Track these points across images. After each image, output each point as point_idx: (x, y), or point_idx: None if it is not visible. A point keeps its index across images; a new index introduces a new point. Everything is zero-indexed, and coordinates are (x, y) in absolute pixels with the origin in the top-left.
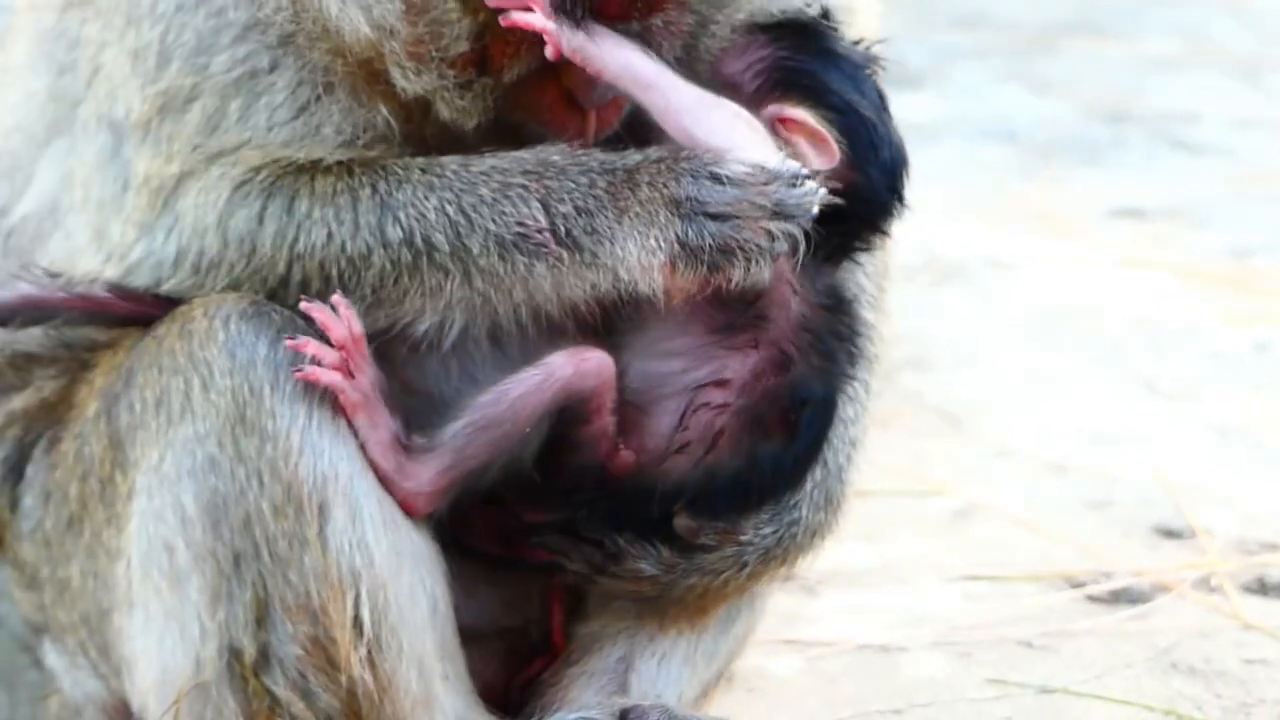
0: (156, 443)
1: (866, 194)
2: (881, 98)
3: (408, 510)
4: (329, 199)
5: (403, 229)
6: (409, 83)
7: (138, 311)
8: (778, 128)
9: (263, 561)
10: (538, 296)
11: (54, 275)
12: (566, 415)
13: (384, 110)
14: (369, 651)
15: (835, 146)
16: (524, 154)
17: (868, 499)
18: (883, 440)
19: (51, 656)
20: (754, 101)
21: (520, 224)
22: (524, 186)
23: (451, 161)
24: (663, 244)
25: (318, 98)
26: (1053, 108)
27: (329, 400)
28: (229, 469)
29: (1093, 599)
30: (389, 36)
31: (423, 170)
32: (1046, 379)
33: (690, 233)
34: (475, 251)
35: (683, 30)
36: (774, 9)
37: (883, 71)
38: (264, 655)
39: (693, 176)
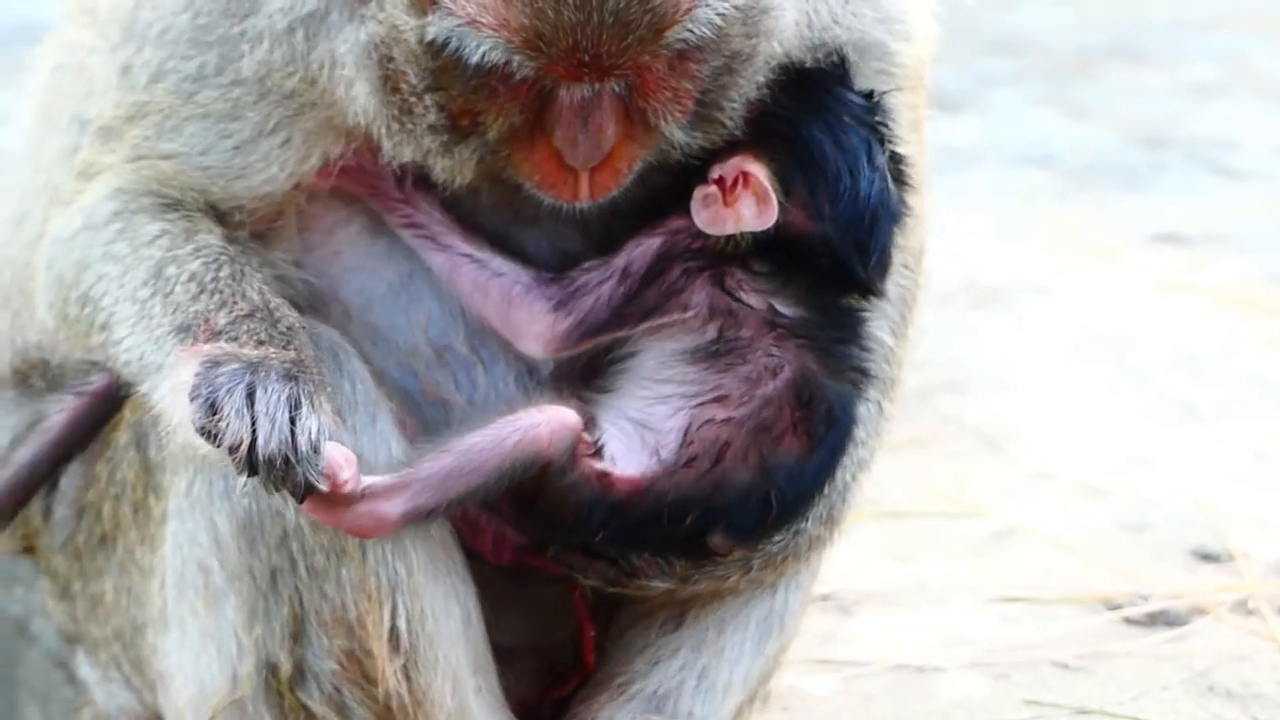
0: (185, 469)
1: (826, 247)
2: (869, 153)
3: (357, 531)
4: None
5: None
6: (397, 152)
7: None
8: (738, 179)
9: (299, 576)
10: None
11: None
12: (545, 469)
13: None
14: (405, 664)
15: (774, 210)
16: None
17: (905, 520)
18: (920, 462)
19: (84, 668)
20: (731, 146)
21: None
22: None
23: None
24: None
25: (281, 143)
26: (1091, 133)
27: (364, 400)
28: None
29: (1130, 621)
30: (373, 117)
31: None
32: (1084, 402)
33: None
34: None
35: (686, 97)
36: (805, 40)
37: (891, 124)
38: (300, 670)
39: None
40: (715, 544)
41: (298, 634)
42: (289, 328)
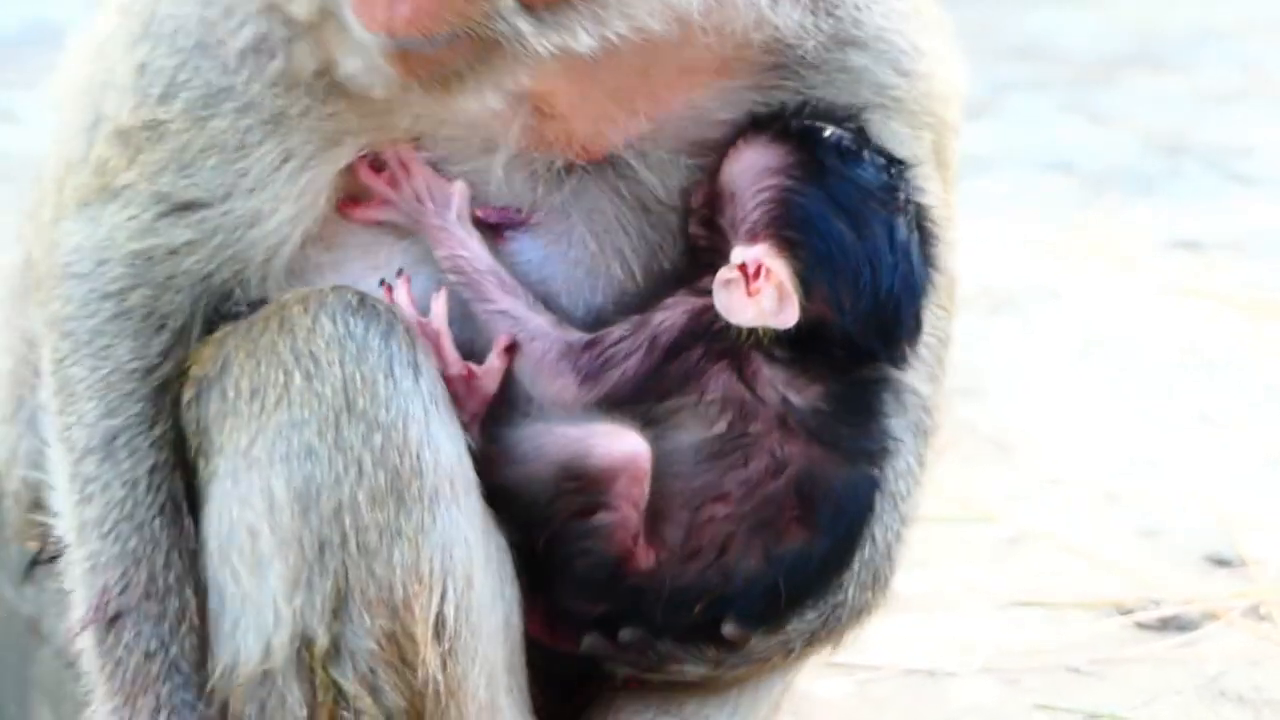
0: (247, 428)
1: (847, 339)
2: (891, 236)
3: None
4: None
5: None
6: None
7: None
8: (760, 271)
9: (349, 551)
10: None
11: None
12: (586, 491)
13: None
14: (446, 651)
15: (796, 310)
16: None
17: (917, 525)
18: (933, 467)
19: None
20: (751, 233)
21: None
22: None
23: None
24: None
25: (288, 177)
26: (1110, 139)
27: (442, 395)
28: (326, 456)
29: (1141, 626)
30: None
31: None
32: (1099, 408)
33: None
34: None
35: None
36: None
37: (910, 180)
38: (336, 646)
39: None
40: (729, 633)
41: (339, 610)
42: (169, 583)
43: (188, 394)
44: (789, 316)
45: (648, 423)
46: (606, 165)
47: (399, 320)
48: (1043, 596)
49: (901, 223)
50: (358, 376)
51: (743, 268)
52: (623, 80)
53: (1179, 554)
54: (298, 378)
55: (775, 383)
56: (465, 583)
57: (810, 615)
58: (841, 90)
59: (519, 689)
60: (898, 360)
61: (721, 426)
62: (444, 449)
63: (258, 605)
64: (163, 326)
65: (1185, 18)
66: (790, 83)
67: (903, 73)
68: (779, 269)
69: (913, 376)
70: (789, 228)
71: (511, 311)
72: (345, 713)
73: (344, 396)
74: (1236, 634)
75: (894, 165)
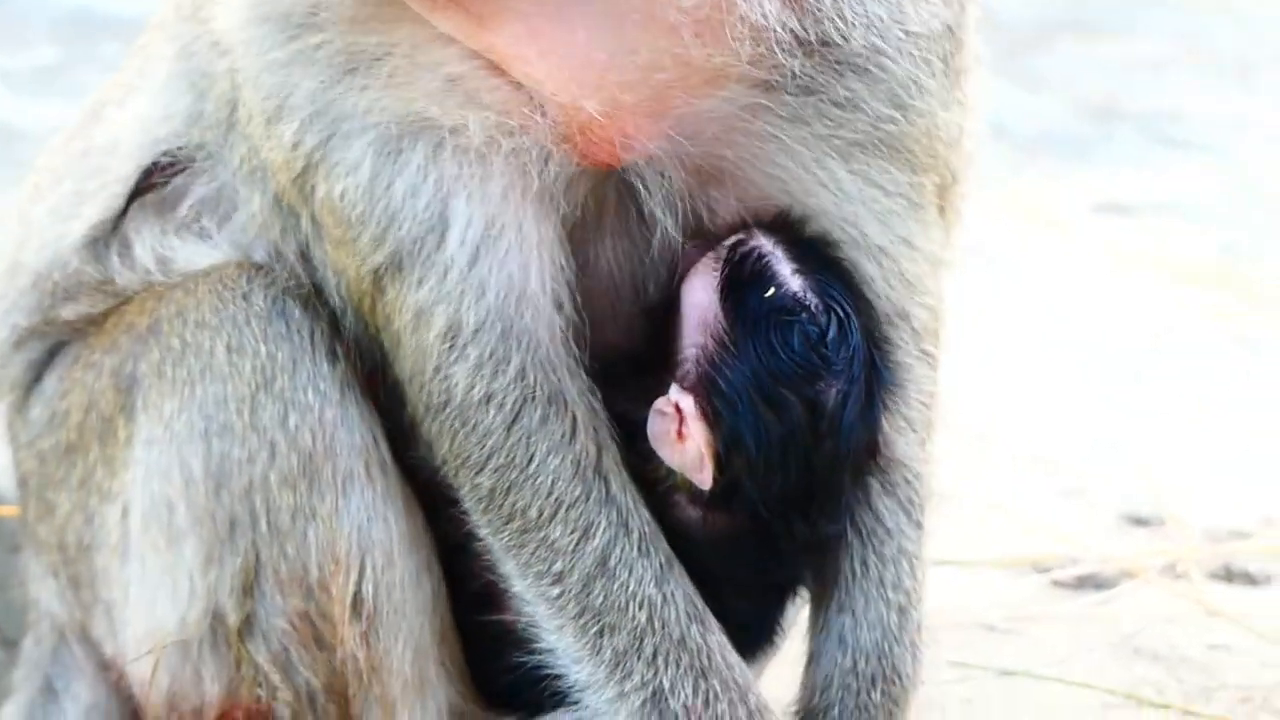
0: (172, 396)
1: (763, 513)
2: (814, 413)
3: None
4: None
5: None
6: None
7: None
8: (682, 425)
9: (259, 531)
10: None
11: None
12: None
13: None
14: (366, 630)
15: (710, 477)
16: None
17: None
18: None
19: (32, 564)
20: (686, 380)
21: None
22: None
23: None
24: None
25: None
26: (1043, 105)
27: (355, 381)
28: (241, 435)
29: (1058, 584)
30: None
31: None
32: (1028, 370)
33: None
34: None
35: None
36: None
37: (858, 335)
38: (249, 623)
39: None
40: None
41: (249, 587)
42: None
43: (119, 340)
44: (704, 480)
45: None
46: (625, 180)
47: (322, 309)
48: (961, 555)
49: (833, 394)
50: (279, 355)
51: (678, 409)
52: (595, 52)
53: (1101, 513)
54: (220, 347)
55: (684, 515)
56: (385, 560)
57: None
58: (837, 125)
59: (452, 662)
60: (820, 527)
61: None
62: (358, 431)
63: (174, 577)
64: None
65: None
66: (780, 110)
67: (900, 106)
68: (699, 435)
69: (902, 446)
70: (716, 397)
71: None
72: (260, 690)
73: (263, 376)
74: (1153, 592)
75: (837, 318)
